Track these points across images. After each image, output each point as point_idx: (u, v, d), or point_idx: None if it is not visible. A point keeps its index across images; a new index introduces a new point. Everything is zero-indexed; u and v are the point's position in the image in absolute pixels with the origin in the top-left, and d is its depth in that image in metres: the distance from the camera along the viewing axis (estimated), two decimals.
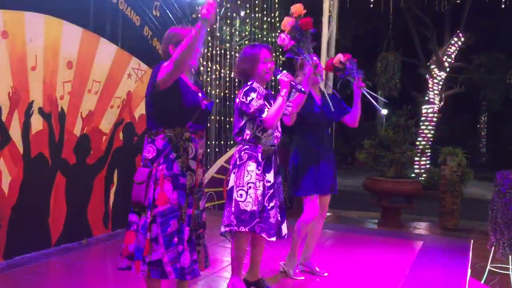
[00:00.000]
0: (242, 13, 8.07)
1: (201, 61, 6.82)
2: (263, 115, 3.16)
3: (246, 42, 8.10)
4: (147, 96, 2.70)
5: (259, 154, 3.23)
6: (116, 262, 2.58)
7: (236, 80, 7.63)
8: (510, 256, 4.15)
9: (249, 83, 3.29)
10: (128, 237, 2.64)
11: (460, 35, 13.12)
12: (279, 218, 3.31)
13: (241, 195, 3.17)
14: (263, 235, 3.20)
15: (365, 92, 3.82)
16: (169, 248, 2.54)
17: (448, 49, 13.28)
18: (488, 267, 4.34)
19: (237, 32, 7.99)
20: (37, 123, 4.16)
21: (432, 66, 13.41)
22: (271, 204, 3.22)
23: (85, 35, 4.59)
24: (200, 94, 2.76)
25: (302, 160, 3.77)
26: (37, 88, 4.15)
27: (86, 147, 4.70)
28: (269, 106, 3.23)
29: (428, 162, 13.38)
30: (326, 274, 3.97)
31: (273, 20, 8.50)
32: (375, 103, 3.82)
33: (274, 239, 3.24)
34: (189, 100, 2.64)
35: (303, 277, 3.87)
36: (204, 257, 2.79)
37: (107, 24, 4.89)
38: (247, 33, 8.27)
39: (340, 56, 3.87)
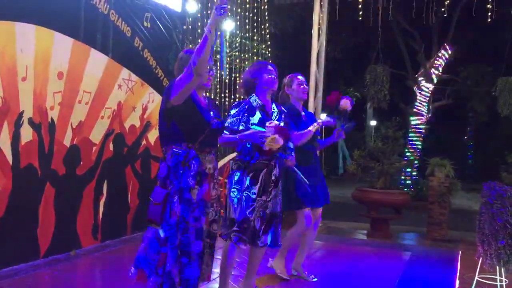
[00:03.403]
0: (233, 24, 8.13)
1: None
2: (224, 132, 3.20)
3: (237, 53, 8.16)
4: (159, 113, 2.77)
5: (248, 166, 3.29)
6: (104, 273, 2.58)
7: (226, 90, 7.65)
8: (497, 267, 4.19)
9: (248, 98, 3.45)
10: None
11: (448, 47, 13.31)
12: (259, 228, 3.33)
13: (228, 202, 3.31)
14: (240, 245, 3.26)
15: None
16: (175, 260, 2.59)
17: (436, 61, 13.44)
18: (476, 278, 4.37)
19: (227, 43, 8.05)
20: (26, 133, 4.14)
21: (420, 78, 13.56)
22: (254, 216, 3.26)
23: (76, 45, 4.59)
24: (212, 113, 2.83)
25: (292, 174, 3.83)
26: (27, 98, 4.14)
27: (76, 158, 4.68)
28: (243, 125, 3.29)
29: (416, 173, 13.47)
30: (315, 279, 4.10)
31: (263, 32, 8.57)
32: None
33: (245, 247, 3.30)
34: (200, 118, 2.72)
35: (288, 277, 4.01)
36: (210, 268, 2.83)
37: (98, 35, 4.91)
38: (237, 44, 8.33)
39: (347, 104, 4.03)
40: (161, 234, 2.62)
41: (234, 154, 4.02)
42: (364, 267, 4.75)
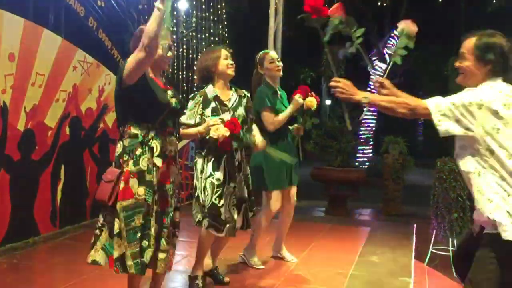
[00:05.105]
0: (187, 4, 7.99)
1: None
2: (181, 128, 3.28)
3: (193, 33, 8.04)
4: (115, 95, 2.68)
5: (208, 153, 3.29)
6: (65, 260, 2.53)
7: (181, 71, 7.53)
8: (450, 239, 4.41)
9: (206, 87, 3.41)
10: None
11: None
12: (234, 216, 3.34)
13: (197, 187, 3.33)
14: (210, 230, 3.27)
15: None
16: (131, 243, 2.53)
17: (388, 41, 13.75)
18: (430, 249, 4.59)
19: (183, 23, 7.91)
20: None
21: (373, 58, 13.85)
22: (222, 202, 3.25)
23: (27, 26, 4.40)
24: (170, 92, 2.77)
25: (265, 156, 3.84)
26: None
27: (31, 143, 4.53)
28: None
29: (370, 150, 13.84)
30: (295, 260, 4.16)
31: (219, 12, 8.48)
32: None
33: (222, 235, 3.29)
34: (157, 98, 2.64)
35: (263, 266, 3.99)
36: (172, 257, 2.79)
37: (50, 15, 4.71)
38: (193, 24, 8.20)
39: (313, 103, 3.93)
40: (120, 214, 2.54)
41: None
42: (325, 244, 4.88)
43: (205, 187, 3.25)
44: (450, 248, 4.42)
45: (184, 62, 7.64)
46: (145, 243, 2.55)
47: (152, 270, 2.72)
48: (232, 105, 3.39)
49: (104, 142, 5.52)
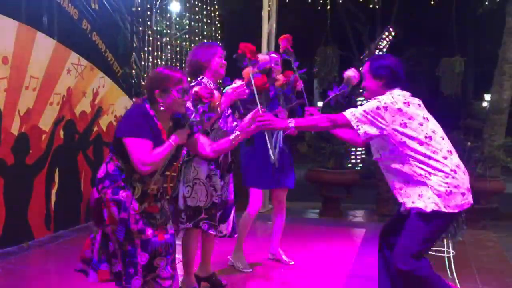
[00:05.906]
0: (179, 6, 7.96)
1: (136, 55, 6.61)
2: None
3: (186, 35, 8.02)
4: (114, 134, 2.58)
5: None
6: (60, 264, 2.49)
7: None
8: (445, 240, 4.43)
9: (199, 78, 3.26)
10: (87, 243, 2.63)
11: (391, 29, 13.69)
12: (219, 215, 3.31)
13: (188, 191, 3.17)
14: (211, 232, 3.22)
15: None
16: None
17: (380, 43, 13.80)
18: None
19: (176, 26, 7.88)
20: None
21: (365, 59, 13.91)
22: (217, 201, 3.23)
23: (21, 28, 4.37)
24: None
25: (247, 154, 3.85)
26: None
27: (25, 146, 4.50)
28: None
29: (363, 152, 13.87)
30: (292, 262, 4.15)
31: (212, 14, 8.47)
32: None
33: (215, 232, 3.26)
34: None
35: (250, 269, 3.96)
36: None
37: (44, 17, 4.69)
38: (187, 26, 8.18)
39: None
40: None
41: None
42: (322, 246, 4.88)
43: (207, 186, 3.16)
44: (445, 249, 4.45)
45: (178, 64, 7.62)
46: (131, 270, 2.47)
47: None
48: None
49: (99, 145, 5.50)
